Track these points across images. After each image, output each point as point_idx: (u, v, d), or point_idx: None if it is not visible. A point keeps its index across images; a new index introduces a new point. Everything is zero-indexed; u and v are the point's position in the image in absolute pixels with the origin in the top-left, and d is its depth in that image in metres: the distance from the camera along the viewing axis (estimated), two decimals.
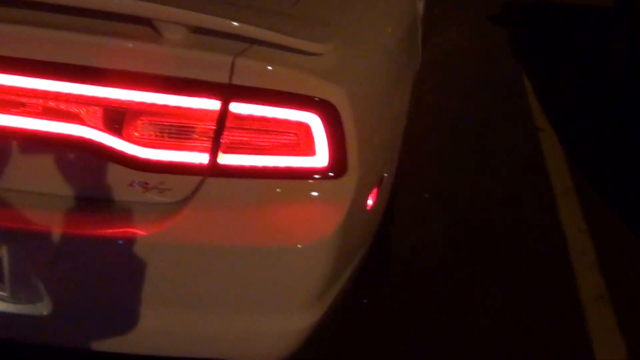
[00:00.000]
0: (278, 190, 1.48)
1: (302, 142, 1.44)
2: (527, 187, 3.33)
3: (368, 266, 2.21)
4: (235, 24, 1.36)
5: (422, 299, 2.47)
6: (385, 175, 1.85)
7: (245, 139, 1.45)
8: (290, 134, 1.44)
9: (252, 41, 1.40)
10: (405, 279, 2.56)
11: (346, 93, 1.42)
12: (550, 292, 2.57)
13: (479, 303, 2.47)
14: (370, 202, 1.71)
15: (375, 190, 1.74)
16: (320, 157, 1.46)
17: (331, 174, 1.47)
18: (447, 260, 2.71)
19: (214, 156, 1.45)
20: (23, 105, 1.43)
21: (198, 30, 1.41)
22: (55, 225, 1.44)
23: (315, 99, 1.40)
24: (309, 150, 1.45)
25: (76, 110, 1.44)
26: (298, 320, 1.56)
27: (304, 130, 1.43)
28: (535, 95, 4.51)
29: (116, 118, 1.44)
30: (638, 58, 4.47)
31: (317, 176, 1.47)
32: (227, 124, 1.43)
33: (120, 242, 1.47)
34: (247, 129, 1.44)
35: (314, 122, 1.42)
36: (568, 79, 4.91)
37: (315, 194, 1.49)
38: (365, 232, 1.81)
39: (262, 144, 1.45)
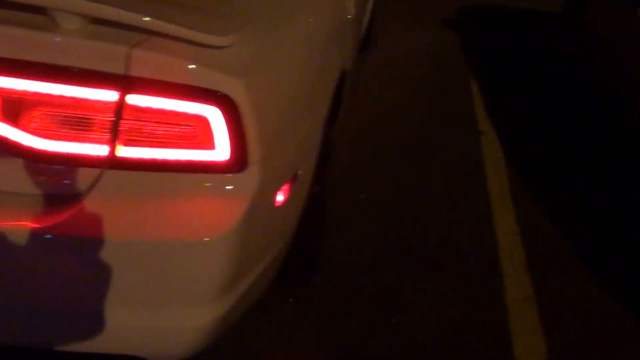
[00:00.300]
0: (178, 183, 1.47)
1: (201, 135, 1.44)
2: (463, 189, 3.36)
3: (294, 265, 2.23)
4: (132, 14, 1.35)
5: (350, 299, 2.48)
6: (300, 172, 1.84)
7: (144, 131, 1.44)
8: (190, 127, 1.43)
9: (151, 33, 1.39)
10: (334, 279, 2.57)
11: (246, 87, 1.41)
12: (477, 293, 2.60)
13: (406, 304, 2.49)
14: (280, 198, 1.71)
15: (286, 187, 1.74)
16: (220, 151, 1.45)
17: (232, 168, 1.47)
18: (377, 260, 2.72)
19: (112, 149, 1.43)
20: None
21: (96, 20, 1.39)
22: None
23: (213, 92, 1.39)
24: (209, 144, 1.45)
25: None
26: (201, 315, 1.55)
27: (203, 123, 1.42)
28: (481, 99, 4.57)
29: (12, 109, 1.41)
30: (582, 62, 4.57)
31: (217, 170, 1.47)
32: (125, 116, 1.41)
33: (16, 234, 1.43)
34: (145, 121, 1.43)
35: (213, 115, 1.41)
36: (515, 83, 4.98)
37: (215, 188, 1.48)
38: (277, 228, 1.80)
39: (161, 136, 1.44)
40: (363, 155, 3.60)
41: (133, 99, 1.40)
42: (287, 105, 1.69)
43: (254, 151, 1.47)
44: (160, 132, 1.44)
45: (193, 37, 1.38)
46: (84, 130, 1.43)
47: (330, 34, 2.14)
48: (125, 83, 1.38)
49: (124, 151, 1.44)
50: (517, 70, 5.26)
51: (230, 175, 1.48)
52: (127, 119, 1.41)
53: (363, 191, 3.21)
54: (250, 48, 1.51)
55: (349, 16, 2.48)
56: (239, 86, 1.40)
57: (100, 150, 1.43)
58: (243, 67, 1.45)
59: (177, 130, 1.43)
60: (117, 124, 1.41)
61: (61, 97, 1.39)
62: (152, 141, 1.44)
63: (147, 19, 1.35)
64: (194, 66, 1.38)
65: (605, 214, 3.25)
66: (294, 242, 2.07)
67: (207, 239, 1.46)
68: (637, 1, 3.71)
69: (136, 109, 1.41)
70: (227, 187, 1.48)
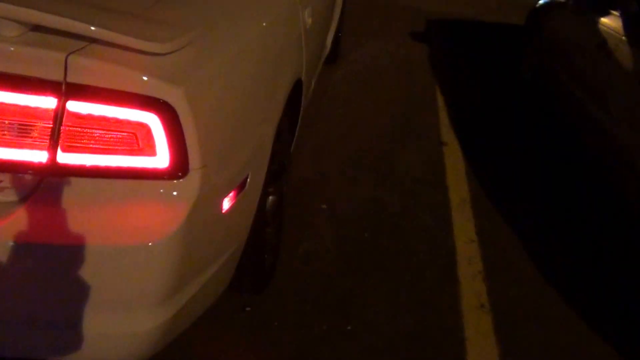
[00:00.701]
0: (119, 189, 1.48)
1: (142, 142, 1.45)
2: (424, 199, 3.40)
3: (248, 272, 2.24)
4: (71, 21, 1.37)
5: (307, 307, 2.49)
6: (249, 180, 1.86)
7: (85, 138, 1.45)
8: (130, 134, 1.44)
9: (90, 40, 1.40)
10: (291, 287, 2.58)
11: (185, 94, 1.43)
12: (433, 300, 2.62)
13: (362, 311, 2.51)
14: (227, 205, 1.72)
15: (233, 193, 1.75)
16: (161, 158, 1.47)
17: (172, 174, 1.48)
18: (336, 269, 2.73)
19: (53, 155, 1.44)
20: None
21: (36, 27, 1.41)
22: None
23: (153, 99, 1.41)
24: (150, 150, 1.46)
25: None
26: (144, 321, 1.56)
27: (144, 130, 1.44)
28: (446, 110, 4.62)
29: None
30: (541, 73, 4.63)
31: (158, 176, 1.48)
32: (66, 122, 1.42)
33: None
34: (86, 128, 1.44)
35: (153, 122, 1.43)
36: (480, 95, 5.04)
37: (156, 194, 1.49)
38: (225, 235, 1.81)
39: (102, 143, 1.45)
40: (326, 166, 3.62)
41: (73, 106, 1.41)
42: (232, 112, 1.70)
43: (195, 158, 1.49)
44: (101, 138, 1.45)
45: (132, 44, 1.40)
46: (25, 136, 1.44)
47: (281, 43, 2.16)
48: (65, 90, 1.39)
49: (65, 157, 1.45)
50: (484, 82, 5.34)
51: (171, 181, 1.49)
52: (68, 126, 1.43)
53: (324, 201, 3.23)
54: (191, 55, 1.53)
55: (306, 26, 2.51)
56: (178, 93, 1.42)
57: (41, 156, 1.44)
58: (183, 74, 1.47)
59: (118, 136, 1.45)
60: (58, 130, 1.43)
61: (1, 104, 1.40)
62: (93, 148, 1.45)
63: (86, 25, 1.37)
64: (132, 73, 1.40)
65: (562, 225, 3.30)
66: (247, 249, 2.08)
67: (148, 244, 1.47)
68: (593, 9, 3.79)
69: (77, 116, 1.42)
70: (168, 193, 1.50)
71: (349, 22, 6.23)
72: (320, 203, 3.22)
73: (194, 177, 1.51)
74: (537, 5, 4.83)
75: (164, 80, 1.41)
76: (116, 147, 1.45)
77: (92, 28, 1.37)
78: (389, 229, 3.08)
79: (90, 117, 1.42)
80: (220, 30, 1.75)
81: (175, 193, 1.50)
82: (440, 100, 4.80)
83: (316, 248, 2.86)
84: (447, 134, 4.23)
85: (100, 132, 1.44)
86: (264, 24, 2.04)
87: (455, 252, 2.98)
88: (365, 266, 2.79)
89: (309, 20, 2.58)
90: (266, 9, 2.13)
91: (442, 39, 6.45)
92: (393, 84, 5.03)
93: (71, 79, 1.38)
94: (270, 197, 2.52)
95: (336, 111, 4.37)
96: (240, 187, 1.81)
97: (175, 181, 1.49)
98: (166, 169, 1.48)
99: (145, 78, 1.40)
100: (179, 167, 1.48)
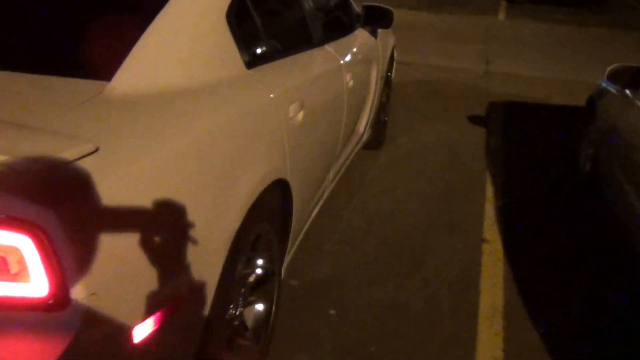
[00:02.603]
0: None
1: (14, 267, 1.28)
2: (449, 305, 3.04)
3: None
4: None
5: None
6: (185, 299, 1.64)
7: None
8: (0, 258, 1.27)
9: None
10: None
11: (58, 215, 1.24)
12: None
13: None
14: (142, 331, 1.50)
15: (156, 316, 1.54)
16: (37, 285, 1.28)
17: (50, 304, 1.29)
18: None
19: None
20: None
21: None
22: None
23: (23, 220, 1.23)
24: (23, 277, 1.28)
25: None
26: None
27: (16, 254, 1.26)
28: (493, 203, 4.25)
29: None
30: (598, 165, 4.16)
31: (34, 306, 1.30)
32: None
33: None
34: None
35: (25, 245, 1.25)
36: (534, 186, 4.60)
37: (32, 327, 1.30)
38: None
39: None
40: (345, 264, 3.34)
41: None
42: (143, 229, 1.48)
43: (78, 286, 1.29)
44: None
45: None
46: None
47: (235, 143, 1.91)
48: None
49: None
50: (541, 172, 4.90)
51: (50, 312, 1.30)
52: None
53: (334, 306, 2.95)
54: (82, 169, 1.35)
55: (289, 120, 2.29)
56: (50, 215, 1.24)
57: None
58: (61, 192, 1.29)
59: None
60: None
61: None
62: None
63: None
64: None
65: (605, 353, 2.84)
66: None
67: None
68: None
69: None
70: (45, 326, 1.30)
71: (405, 103, 6.05)
72: (329, 307, 2.94)
73: (77, 308, 1.30)
74: (593, 92, 4.44)
75: (34, 201, 1.23)
76: None
77: None
78: (401, 341, 2.75)
79: None
80: (138, 138, 1.56)
81: (53, 326, 1.30)
82: (489, 192, 4.44)
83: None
84: (490, 230, 3.86)
85: None
86: (209, 126, 1.82)
87: None
88: None
89: (299, 115, 2.37)
90: (218, 105, 1.93)
91: (502, 123, 6.08)
92: (439, 172, 4.71)
93: None
94: (256, 306, 2.30)
95: (370, 202, 4.11)
96: (169, 310, 1.59)
97: (54, 312, 1.30)
98: (43, 298, 1.29)
99: (13, 198, 1.23)
100: (58, 296, 1.29)
